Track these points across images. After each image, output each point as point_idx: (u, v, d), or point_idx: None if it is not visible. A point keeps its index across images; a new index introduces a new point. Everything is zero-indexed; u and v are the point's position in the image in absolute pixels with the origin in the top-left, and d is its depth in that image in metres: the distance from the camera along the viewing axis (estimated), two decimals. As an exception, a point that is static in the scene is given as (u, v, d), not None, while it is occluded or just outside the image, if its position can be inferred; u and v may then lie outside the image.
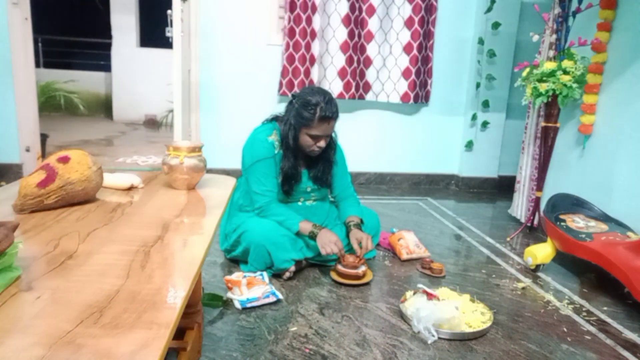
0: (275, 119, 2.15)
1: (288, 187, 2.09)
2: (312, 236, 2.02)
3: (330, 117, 1.95)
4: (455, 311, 1.67)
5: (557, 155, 2.80)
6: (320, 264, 2.18)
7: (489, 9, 3.66)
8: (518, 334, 1.69)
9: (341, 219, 2.23)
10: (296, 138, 2.02)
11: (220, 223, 1.39)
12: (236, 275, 1.87)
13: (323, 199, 2.27)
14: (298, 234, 2.05)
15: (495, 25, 3.70)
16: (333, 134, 2.12)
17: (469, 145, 3.98)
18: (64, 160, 1.18)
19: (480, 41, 3.78)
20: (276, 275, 2.04)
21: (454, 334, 1.62)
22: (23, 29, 3.29)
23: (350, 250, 2.11)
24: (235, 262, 2.18)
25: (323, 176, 2.16)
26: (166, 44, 3.15)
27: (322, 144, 2.01)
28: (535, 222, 2.89)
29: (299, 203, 2.19)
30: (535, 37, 2.72)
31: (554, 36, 2.68)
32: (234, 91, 3.62)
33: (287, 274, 2.01)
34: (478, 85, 3.85)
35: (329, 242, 1.97)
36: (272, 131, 2.08)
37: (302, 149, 2.06)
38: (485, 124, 3.90)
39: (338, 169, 2.24)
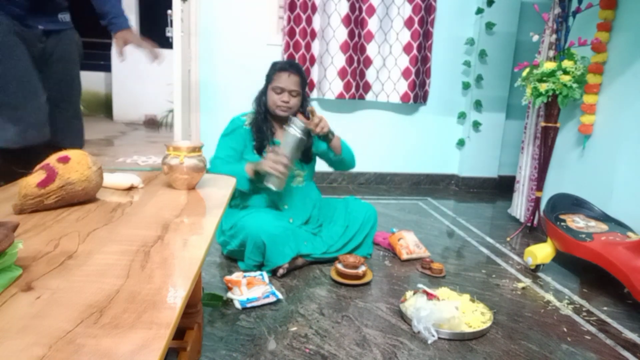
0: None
1: (258, 139, 2.15)
2: (259, 170, 1.99)
3: (287, 68, 2.11)
4: (455, 311, 1.67)
5: (557, 155, 2.80)
6: (319, 263, 2.19)
7: (480, 10, 3.67)
8: (518, 334, 1.69)
9: None
10: (265, 100, 2.17)
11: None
12: (236, 275, 1.87)
13: (310, 179, 2.32)
14: (252, 180, 2.04)
15: (490, 25, 3.70)
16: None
17: (461, 143, 4.01)
18: (64, 160, 1.17)
19: (470, 41, 3.79)
20: (271, 271, 2.04)
21: (454, 334, 1.62)
22: (23, 29, 3.28)
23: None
24: (234, 261, 2.18)
25: (305, 149, 2.21)
26: (166, 44, 3.15)
27: (285, 97, 2.11)
28: (535, 222, 2.89)
29: (292, 184, 2.22)
30: (535, 37, 2.72)
31: (554, 36, 2.68)
32: (234, 91, 3.62)
33: (281, 271, 2.02)
34: (467, 85, 3.87)
35: (271, 164, 1.93)
36: (247, 113, 2.24)
37: (271, 111, 2.17)
38: (476, 124, 3.91)
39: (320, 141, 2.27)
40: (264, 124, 2.17)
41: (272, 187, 1.98)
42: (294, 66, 2.14)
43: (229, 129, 2.19)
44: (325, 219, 2.31)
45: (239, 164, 2.10)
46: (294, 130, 1.98)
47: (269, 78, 2.16)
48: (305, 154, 2.23)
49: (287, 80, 2.11)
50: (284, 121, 2.14)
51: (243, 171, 2.02)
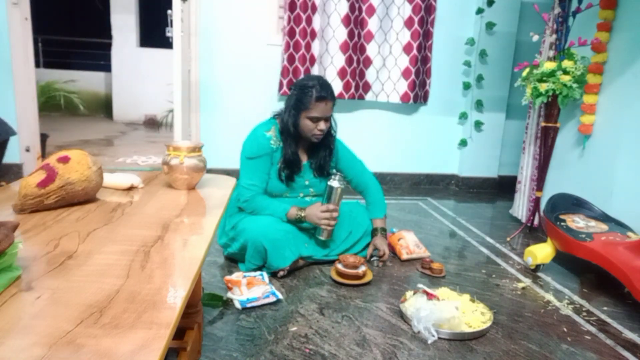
0: (275, 116, 2.19)
1: (289, 173, 2.12)
2: (301, 220, 2.09)
3: (326, 97, 2.02)
4: (455, 311, 1.67)
5: (557, 155, 2.80)
6: (320, 263, 2.19)
7: (480, 10, 3.67)
8: (518, 334, 1.69)
9: (370, 214, 2.34)
10: (297, 124, 2.06)
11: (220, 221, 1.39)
12: (236, 275, 1.87)
13: (321, 194, 2.29)
14: (290, 222, 2.11)
15: (490, 25, 3.70)
16: (332, 123, 2.17)
17: (463, 143, 4.01)
18: (64, 160, 1.18)
19: (471, 41, 3.79)
20: (271, 273, 2.04)
21: (454, 334, 1.62)
22: (23, 29, 3.28)
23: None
24: (234, 261, 2.18)
25: (324, 164, 2.21)
26: (166, 44, 3.16)
27: (322, 126, 2.06)
28: (536, 222, 2.89)
29: (299, 197, 2.21)
30: (535, 37, 2.72)
31: (554, 36, 2.67)
32: (234, 91, 3.62)
33: (281, 272, 2.02)
34: (467, 85, 3.87)
35: (320, 219, 2.05)
36: (270, 127, 2.13)
37: (303, 135, 2.10)
38: (478, 124, 3.90)
39: (343, 156, 2.30)
40: (294, 151, 2.11)
41: (323, 238, 2.13)
42: (330, 92, 2.04)
43: (257, 151, 2.07)
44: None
45: (279, 204, 2.09)
46: (338, 183, 2.09)
47: (304, 105, 2.02)
48: (323, 168, 2.21)
49: (325, 109, 2.03)
50: (308, 141, 2.14)
51: (284, 217, 2.08)
